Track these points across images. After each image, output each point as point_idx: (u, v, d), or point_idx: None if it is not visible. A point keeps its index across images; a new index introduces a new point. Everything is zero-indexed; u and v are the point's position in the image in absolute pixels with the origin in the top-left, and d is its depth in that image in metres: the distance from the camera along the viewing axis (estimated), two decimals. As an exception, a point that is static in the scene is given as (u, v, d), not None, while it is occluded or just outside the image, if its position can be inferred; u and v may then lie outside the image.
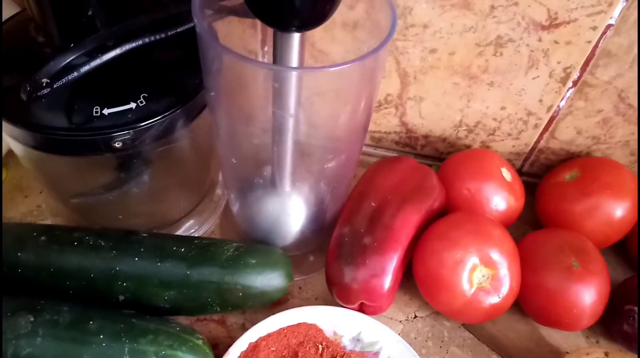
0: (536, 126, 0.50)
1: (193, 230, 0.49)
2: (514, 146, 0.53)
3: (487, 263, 0.41)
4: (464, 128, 0.52)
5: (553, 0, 0.40)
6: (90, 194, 0.44)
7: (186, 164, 0.46)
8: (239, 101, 0.37)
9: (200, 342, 0.38)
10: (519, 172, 0.55)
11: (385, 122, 0.53)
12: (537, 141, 0.52)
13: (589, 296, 0.42)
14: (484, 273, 0.41)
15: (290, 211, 0.45)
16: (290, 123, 0.37)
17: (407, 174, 0.47)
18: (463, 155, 0.50)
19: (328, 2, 0.31)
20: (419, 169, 0.48)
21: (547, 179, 0.52)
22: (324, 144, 0.43)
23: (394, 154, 0.56)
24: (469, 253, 0.41)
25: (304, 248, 0.48)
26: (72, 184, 0.44)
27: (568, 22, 0.42)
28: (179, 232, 0.49)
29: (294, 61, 0.34)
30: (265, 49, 0.48)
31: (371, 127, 0.54)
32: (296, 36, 0.33)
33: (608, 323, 0.44)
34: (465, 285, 0.41)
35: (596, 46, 0.43)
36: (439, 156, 0.55)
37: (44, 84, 0.32)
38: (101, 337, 0.36)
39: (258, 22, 0.46)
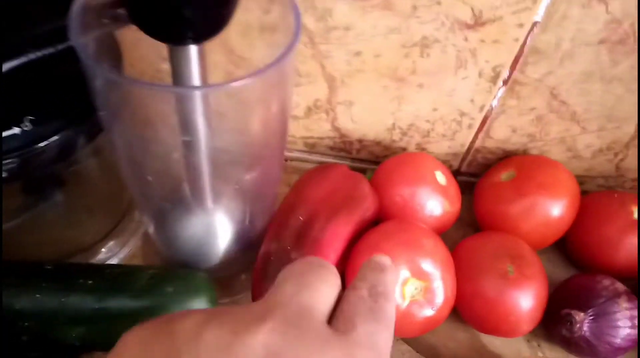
0: (470, 126, 0.49)
1: (112, 254, 0.46)
2: (449, 147, 0.51)
3: (419, 275, 0.39)
4: (397, 131, 0.50)
5: (476, -3, 0.39)
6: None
7: (97, 184, 0.43)
8: (135, 120, 0.33)
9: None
10: (457, 172, 0.54)
11: (318, 128, 0.51)
12: (473, 141, 0.50)
13: (526, 302, 0.41)
14: (416, 286, 0.40)
15: (213, 230, 0.42)
16: (202, 144, 0.34)
17: (337, 183, 0.45)
18: (395, 160, 0.48)
19: (223, 9, 0.28)
20: (350, 177, 0.46)
21: (484, 179, 0.50)
22: (241, 157, 0.40)
23: (330, 159, 0.54)
24: (399, 266, 0.39)
25: (233, 267, 0.45)
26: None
27: (493, 21, 0.40)
28: (98, 257, 0.45)
29: (195, 76, 0.31)
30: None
31: (304, 133, 0.52)
32: (193, 49, 0.30)
33: (548, 326, 0.43)
34: (397, 299, 0.39)
35: (524, 43, 0.41)
36: (376, 159, 0.53)
37: None
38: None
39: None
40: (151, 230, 0.43)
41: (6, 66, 0.31)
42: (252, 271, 0.46)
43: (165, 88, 0.31)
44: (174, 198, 0.42)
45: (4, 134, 0.31)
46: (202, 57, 0.30)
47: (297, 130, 0.51)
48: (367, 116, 0.49)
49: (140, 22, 0.28)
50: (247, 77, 0.28)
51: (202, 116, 0.32)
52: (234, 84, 0.29)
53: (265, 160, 0.39)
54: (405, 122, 0.49)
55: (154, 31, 0.28)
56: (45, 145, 0.32)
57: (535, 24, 0.40)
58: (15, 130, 0.32)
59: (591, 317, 0.40)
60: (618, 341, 0.40)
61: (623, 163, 0.51)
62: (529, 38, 0.41)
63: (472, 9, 0.39)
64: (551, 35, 0.40)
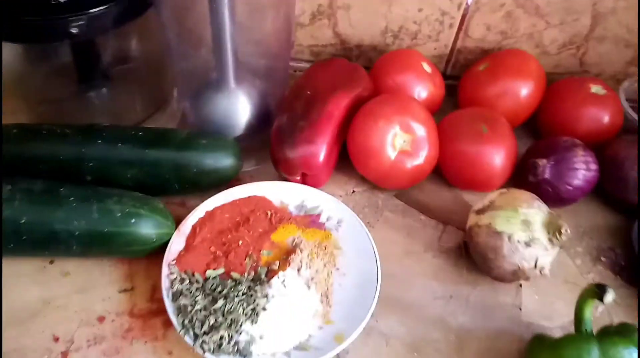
0: (451, 25, 0.57)
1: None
2: (435, 49, 0.59)
3: (407, 129, 0.48)
4: (389, 34, 0.58)
5: None
6: (54, 101, 0.50)
7: (139, 80, 0.52)
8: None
9: (161, 205, 0.44)
10: (444, 75, 0.62)
11: (321, 35, 0.60)
12: (455, 41, 0.59)
13: (498, 156, 0.49)
14: (404, 139, 0.48)
15: (236, 107, 0.51)
16: (226, 11, 0.42)
17: (339, 69, 0.54)
18: (389, 55, 0.57)
19: None
20: (350, 65, 0.54)
21: (466, 74, 0.58)
22: (257, 46, 0.49)
23: (333, 68, 0.63)
24: (391, 123, 0.48)
25: (252, 139, 0.53)
26: (39, 90, 0.50)
27: None
28: (139, 137, 0.54)
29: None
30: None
31: (309, 41, 0.60)
32: None
33: (517, 179, 0.51)
34: (389, 150, 0.48)
35: (489, -60, 0.50)
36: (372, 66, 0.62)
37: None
38: (71, 199, 0.41)
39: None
40: (189, 112, 0.51)
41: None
42: (267, 146, 0.54)
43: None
44: (206, 81, 0.51)
45: (76, -3, 0.41)
46: None
47: (304, 38, 0.60)
48: (363, 19, 0.57)
49: None
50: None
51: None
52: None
53: (278, 46, 0.47)
54: (396, 24, 0.57)
55: None
56: (106, 8, 0.41)
57: None
58: (84, -5, 0.41)
59: (552, 162, 0.48)
60: (576, 182, 0.48)
61: (586, 57, 0.59)
62: None
63: None
64: None
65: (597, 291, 0.37)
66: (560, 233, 0.42)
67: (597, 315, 0.42)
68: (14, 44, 0.45)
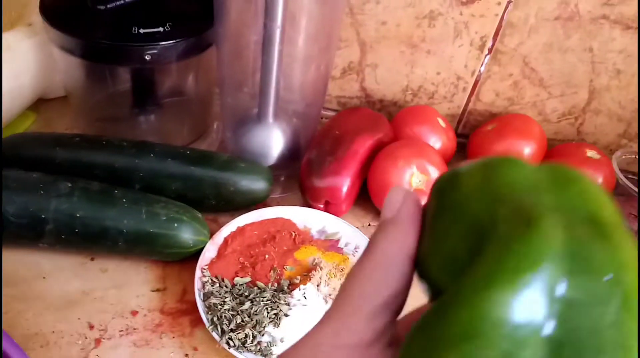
0: (464, 89, 0.64)
1: (192, 158, 0.60)
2: (449, 109, 0.67)
3: (423, 170, 0.54)
4: (409, 92, 0.66)
5: (468, -18, 0.56)
6: (109, 119, 0.56)
7: (183, 110, 0.59)
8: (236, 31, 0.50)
9: (200, 215, 0.49)
10: (455, 133, 0.69)
11: (349, 88, 0.67)
12: (467, 104, 0.66)
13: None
14: (420, 179, 0.53)
15: (272, 138, 0.57)
16: (277, 36, 0.48)
17: (365, 117, 0.60)
18: (408, 109, 0.64)
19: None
20: (374, 114, 0.61)
21: (475, 133, 0.65)
22: (297, 91, 0.56)
23: (356, 118, 0.69)
24: (409, 164, 0.53)
25: (281, 170, 0.59)
26: (97, 108, 0.56)
27: (480, -1, 0.57)
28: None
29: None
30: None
31: (337, 92, 0.67)
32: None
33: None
34: (406, 187, 0.53)
35: (502, 18, 0.58)
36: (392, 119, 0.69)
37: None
38: (124, 200, 0.46)
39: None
40: (230, 140, 0.57)
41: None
42: (295, 177, 0.60)
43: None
44: (248, 115, 0.57)
45: (154, 29, 0.48)
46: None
47: (333, 90, 0.67)
48: (388, 78, 0.65)
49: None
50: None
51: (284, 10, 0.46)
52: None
53: (312, 94, 0.54)
54: (416, 84, 0.65)
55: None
56: (176, 42, 0.48)
57: (509, 2, 0.56)
58: (160, 29, 0.48)
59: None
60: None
61: (583, 127, 0.65)
62: (505, 14, 0.57)
63: (465, -10, 0.56)
64: (521, 11, 0.57)
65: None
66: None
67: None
68: (85, 62, 0.52)
